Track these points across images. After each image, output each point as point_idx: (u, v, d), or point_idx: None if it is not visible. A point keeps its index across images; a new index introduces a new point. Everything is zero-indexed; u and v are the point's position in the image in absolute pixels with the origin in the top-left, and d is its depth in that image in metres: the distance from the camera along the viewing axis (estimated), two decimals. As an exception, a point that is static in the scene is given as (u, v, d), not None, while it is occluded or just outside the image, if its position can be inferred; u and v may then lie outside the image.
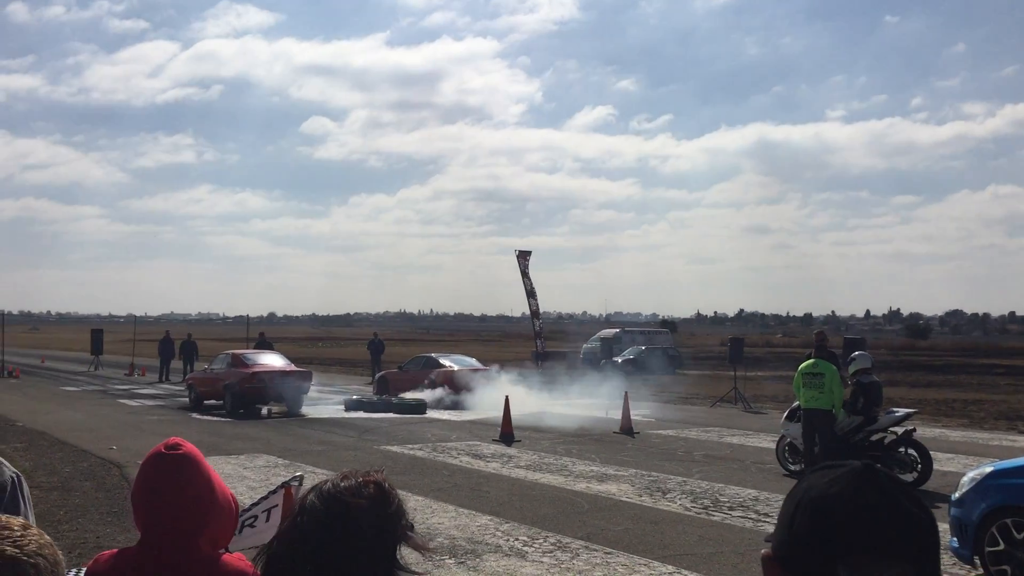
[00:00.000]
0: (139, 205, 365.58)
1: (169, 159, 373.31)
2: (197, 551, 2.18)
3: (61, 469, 13.39)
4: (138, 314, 69.41)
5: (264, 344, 30.26)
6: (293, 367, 24.06)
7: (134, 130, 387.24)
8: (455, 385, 24.52)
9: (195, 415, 21.83)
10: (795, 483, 1.30)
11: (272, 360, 24.26)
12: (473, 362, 27.29)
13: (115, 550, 2.28)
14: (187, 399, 24.93)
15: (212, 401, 23.64)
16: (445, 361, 26.93)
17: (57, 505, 10.68)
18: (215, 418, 21.12)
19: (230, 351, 25.76)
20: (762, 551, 1.28)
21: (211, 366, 24.86)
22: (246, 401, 22.56)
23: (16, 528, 1.36)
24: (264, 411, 22.45)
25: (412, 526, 1.86)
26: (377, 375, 29.23)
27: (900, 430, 12.81)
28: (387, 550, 1.78)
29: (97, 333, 42.89)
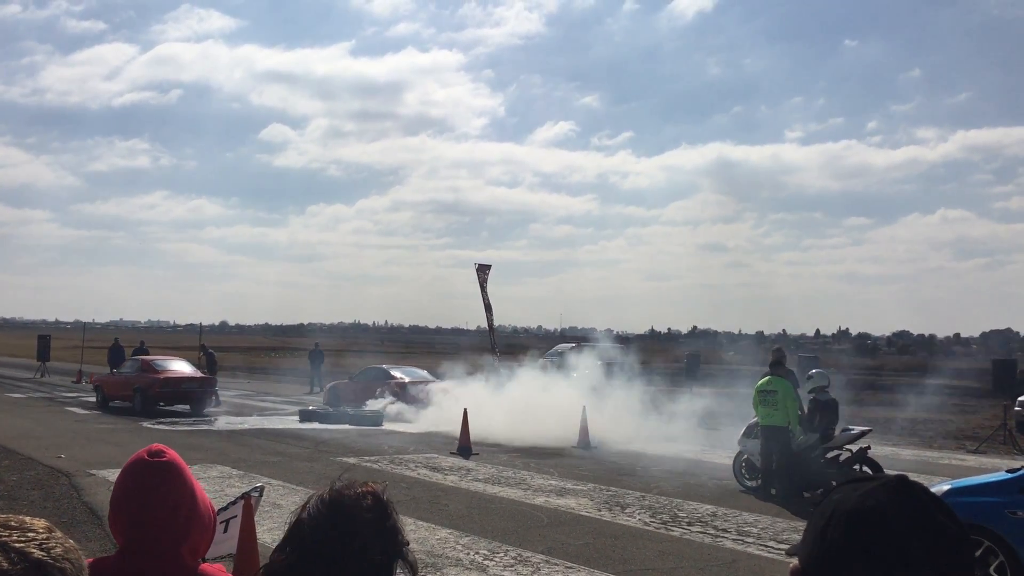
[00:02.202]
0: (91, 210, 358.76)
1: (124, 164, 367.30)
2: (179, 560, 2.12)
3: (7, 478, 13.02)
4: (86, 320, 68.11)
5: (208, 354, 29.80)
6: (198, 374, 26.03)
7: (89, 133, 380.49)
8: (405, 396, 24.86)
9: (145, 423, 21.42)
10: (824, 496, 1.29)
11: (180, 367, 26.20)
12: (424, 374, 27.60)
13: (91, 559, 2.21)
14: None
15: (118, 402, 25.23)
16: (396, 372, 27.21)
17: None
18: (166, 427, 20.75)
19: (139, 357, 28.09)
20: (790, 565, 1.27)
21: (120, 370, 26.84)
22: (154, 403, 24.36)
23: (41, 530, 1.31)
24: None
25: (408, 542, 1.83)
26: (328, 385, 29.32)
27: (855, 448, 13.00)
28: (388, 564, 1.75)
29: (44, 339, 41.94)
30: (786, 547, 8.95)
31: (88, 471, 13.49)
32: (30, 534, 1.29)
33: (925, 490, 1.23)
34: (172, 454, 2.21)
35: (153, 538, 2.11)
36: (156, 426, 21.00)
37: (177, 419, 22.57)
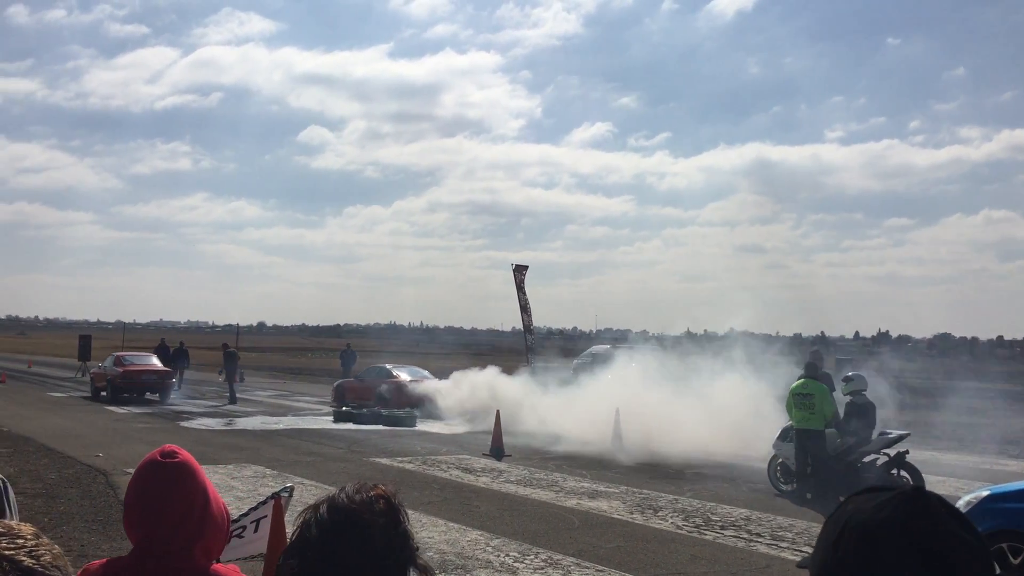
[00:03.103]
0: (133, 212, 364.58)
1: (165, 166, 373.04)
2: (192, 561, 2.11)
3: (46, 476, 13.23)
4: (127, 321, 69.10)
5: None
6: (160, 367, 29.54)
7: (131, 136, 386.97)
8: (404, 394, 25.53)
9: (182, 423, 21.66)
10: (838, 506, 1.23)
11: (145, 361, 29.94)
12: (424, 373, 28.14)
13: (104, 560, 2.20)
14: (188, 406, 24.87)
15: (104, 394, 28.52)
16: (397, 372, 27.69)
17: (42, 512, 10.53)
18: (203, 427, 20.96)
19: (116, 353, 31.70)
20: None
21: (102, 364, 30.32)
22: (122, 392, 28.01)
23: (29, 537, 1.29)
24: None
25: (418, 547, 1.79)
26: (335, 384, 30.00)
27: (893, 452, 12.77)
28: (401, 570, 1.72)
29: (85, 339, 42.65)
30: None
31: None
32: (19, 540, 1.27)
33: (943, 501, 1.17)
34: (185, 455, 2.20)
35: (166, 538, 2.09)
36: (192, 425, 21.23)
37: (211, 419, 22.80)
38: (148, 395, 28.42)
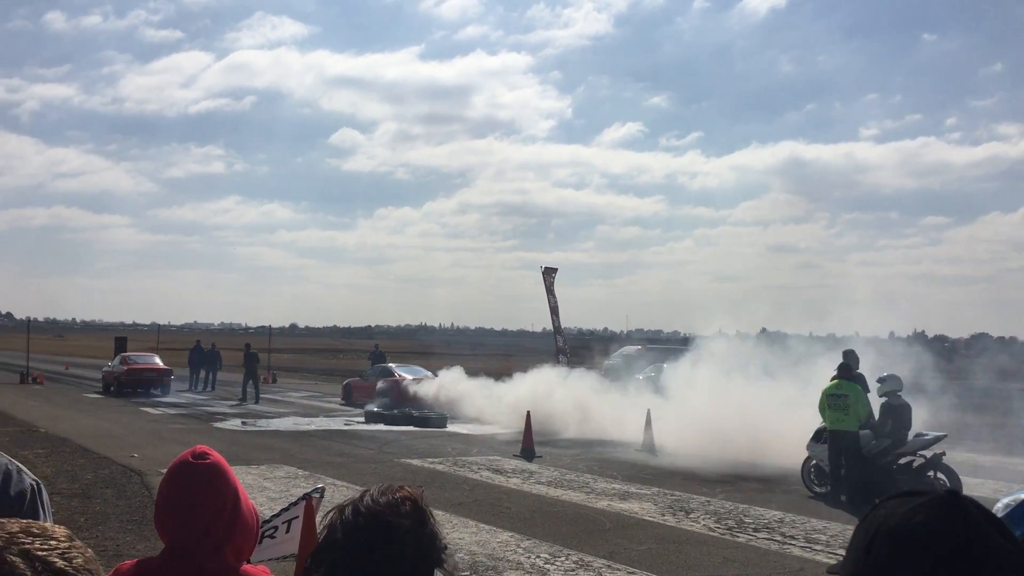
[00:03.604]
0: (167, 215, 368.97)
1: (199, 169, 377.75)
2: (223, 562, 2.11)
3: (82, 476, 13.41)
4: (162, 323, 69.99)
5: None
6: (160, 366, 33.02)
7: (165, 140, 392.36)
8: (401, 392, 26.79)
9: (215, 424, 21.87)
10: (870, 510, 1.19)
11: (147, 359, 34.10)
12: (423, 372, 29.41)
13: (135, 560, 2.22)
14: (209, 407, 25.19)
15: (112, 389, 32.19)
16: (397, 371, 29.03)
17: (78, 512, 10.67)
18: (236, 428, 21.15)
19: (123, 353, 35.55)
20: None
21: (111, 364, 34.10)
22: (127, 387, 31.54)
23: (62, 539, 1.29)
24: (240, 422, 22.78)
25: (447, 547, 1.78)
26: (344, 383, 31.65)
27: (929, 453, 12.59)
28: (427, 572, 1.70)
29: (121, 341, 43.18)
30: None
31: (159, 470, 13.79)
32: (52, 542, 1.27)
33: (978, 506, 1.12)
34: (216, 456, 2.20)
35: (197, 539, 2.10)
36: (225, 426, 21.43)
37: (245, 420, 22.98)
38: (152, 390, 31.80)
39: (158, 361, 33.67)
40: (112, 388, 32.26)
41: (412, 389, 26.88)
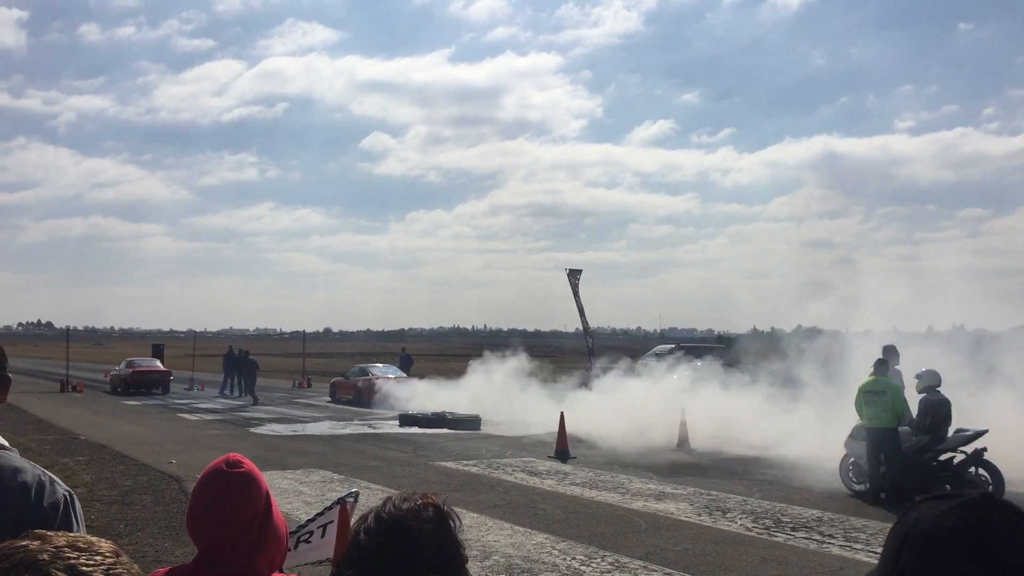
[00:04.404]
0: (202, 222, 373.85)
1: (233, 177, 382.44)
2: (255, 570, 2.11)
3: (121, 482, 13.57)
4: (198, 329, 70.87)
5: (248, 361, 33.73)
6: (161, 368, 37.14)
7: (200, 148, 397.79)
8: (374, 390, 30.12)
9: (251, 429, 22.05)
10: (904, 512, 1.15)
11: (149, 363, 38.20)
12: (396, 371, 33.11)
13: (168, 568, 2.23)
14: (246, 414, 25.49)
15: (119, 390, 35.89)
16: (372, 371, 32.52)
17: (117, 518, 10.81)
18: (272, 433, 21.32)
19: (129, 357, 40.74)
20: None
21: (118, 367, 37.97)
22: (132, 387, 35.59)
23: (108, 554, 1.29)
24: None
25: (468, 558, 1.76)
26: (331, 381, 34.58)
27: (970, 449, 12.38)
28: None
29: (158, 348, 43.81)
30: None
31: (197, 476, 13.85)
32: (97, 557, 1.27)
33: (1014, 509, 1.07)
34: (249, 464, 2.21)
35: (230, 546, 2.10)
36: (261, 431, 21.60)
37: (280, 424, 23.16)
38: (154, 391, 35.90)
39: (159, 364, 38.05)
40: (119, 389, 36.09)
41: (385, 388, 30.03)
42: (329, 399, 32.55)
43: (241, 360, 35.51)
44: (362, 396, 30.37)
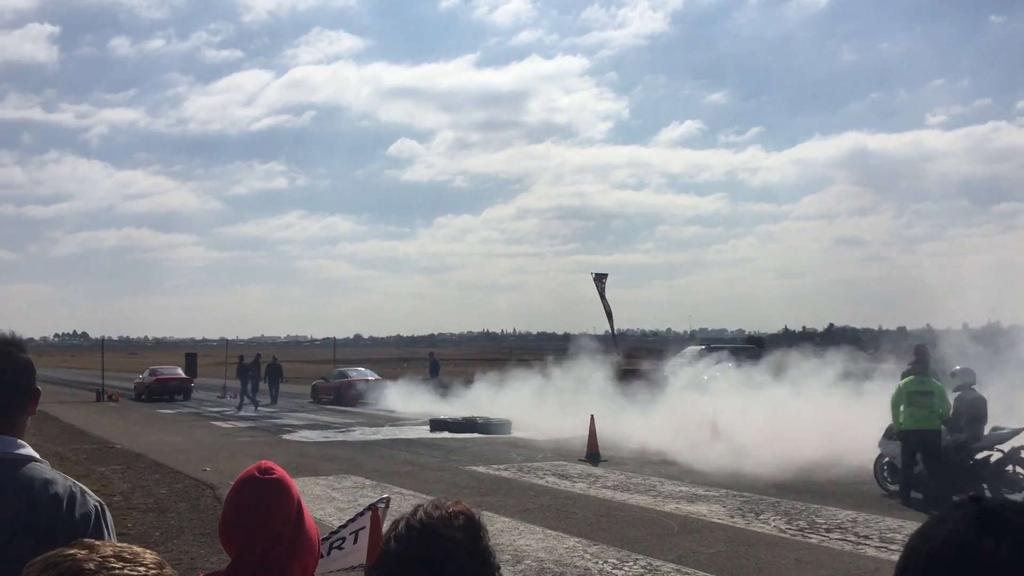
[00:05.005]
0: (233, 232, 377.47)
1: (262, 186, 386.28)
2: (289, 576, 2.13)
3: (157, 490, 13.72)
4: (230, 338, 71.56)
5: (275, 367, 35.52)
6: (182, 375, 39.43)
7: (229, 158, 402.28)
8: (349, 391, 33.69)
9: (284, 436, 22.21)
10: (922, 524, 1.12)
11: (171, 370, 40.12)
12: (369, 373, 36.58)
13: (203, 574, 2.25)
14: (276, 422, 25.68)
15: (143, 396, 37.91)
16: (350, 373, 36.30)
17: (153, 526, 10.93)
18: (304, 439, 21.46)
19: (152, 366, 41.99)
20: None
21: (142, 376, 40.05)
22: (155, 394, 37.32)
23: (152, 566, 1.31)
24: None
25: (499, 566, 1.76)
26: (312, 384, 37.55)
27: (1007, 448, 12.20)
28: None
29: (191, 357, 44.25)
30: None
31: (231, 483, 14.03)
32: (141, 568, 1.29)
33: (1017, 510, 0.99)
34: (280, 471, 2.23)
35: (263, 554, 2.12)
36: (294, 438, 21.75)
37: (312, 431, 23.31)
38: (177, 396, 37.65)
39: (180, 372, 40.18)
40: (143, 396, 37.83)
41: (360, 388, 33.92)
42: (311, 400, 35.93)
43: (273, 368, 35.74)
44: (340, 396, 33.87)
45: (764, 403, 20.86)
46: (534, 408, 25.69)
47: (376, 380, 35.20)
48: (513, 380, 30.19)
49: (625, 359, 32.91)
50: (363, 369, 38.52)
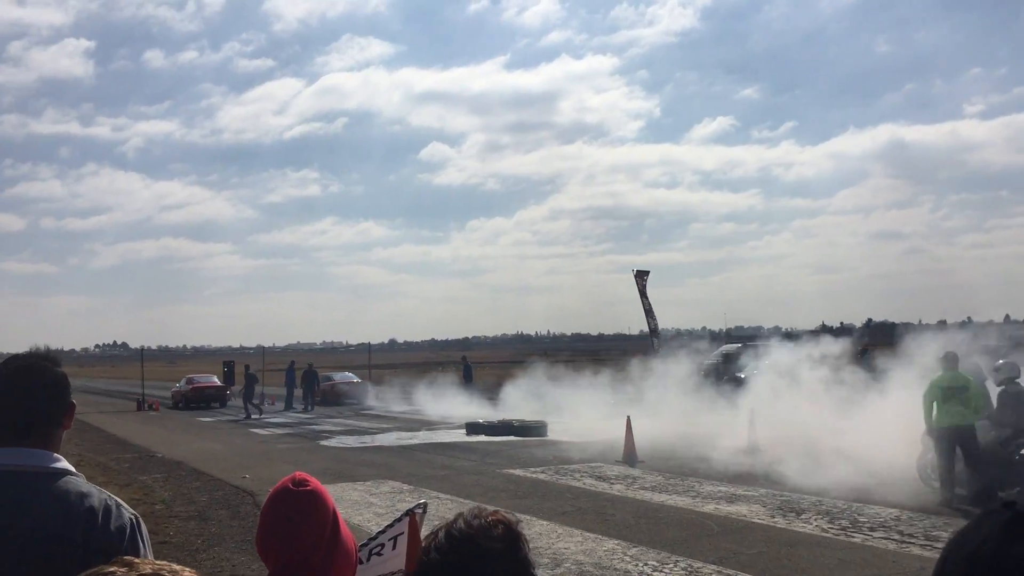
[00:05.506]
0: (268, 239, 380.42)
1: (296, 193, 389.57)
2: (327, 587, 2.13)
3: (198, 498, 13.86)
4: (267, 345, 72.24)
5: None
6: (218, 384, 40.43)
7: (263, 167, 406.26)
8: (334, 392, 37.59)
9: (321, 442, 22.35)
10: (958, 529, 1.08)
11: (207, 379, 41.72)
12: (352, 376, 40.73)
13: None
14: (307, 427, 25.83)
15: (180, 405, 38.79)
16: (334, 376, 40.26)
17: (195, 534, 11.03)
18: (341, 445, 21.57)
19: (189, 375, 43.83)
20: None
21: (179, 384, 41.38)
22: (192, 402, 38.53)
23: None
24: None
25: None
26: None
27: (1054, 442, 11.92)
28: None
29: (228, 365, 44.61)
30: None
31: (270, 490, 14.15)
32: None
33: None
34: (315, 483, 2.23)
35: (300, 565, 2.12)
36: (331, 444, 21.87)
37: (349, 437, 23.43)
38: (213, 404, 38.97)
39: (216, 380, 41.25)
40: (180, 404, 38.69)
41: (344, 389, 37.73)
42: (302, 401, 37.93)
43: (309, 374, 36.03)
44: (327, 397, 37.22)
45: (801, 400, 20.62)
46: (570, 410, 25.63)
47: (358, 382, 39.53)
48: (548, 382, 30.15)
49: (663, 358, 32.67)
50: (348, 373, 43.11)
